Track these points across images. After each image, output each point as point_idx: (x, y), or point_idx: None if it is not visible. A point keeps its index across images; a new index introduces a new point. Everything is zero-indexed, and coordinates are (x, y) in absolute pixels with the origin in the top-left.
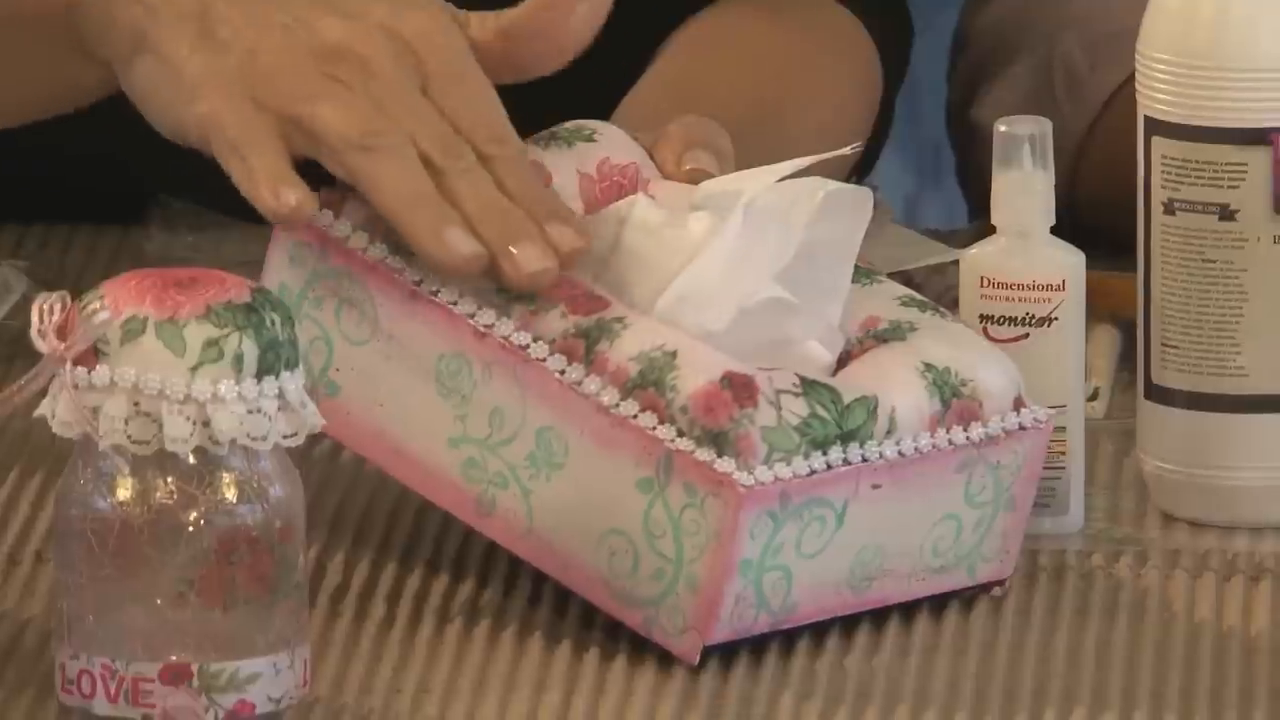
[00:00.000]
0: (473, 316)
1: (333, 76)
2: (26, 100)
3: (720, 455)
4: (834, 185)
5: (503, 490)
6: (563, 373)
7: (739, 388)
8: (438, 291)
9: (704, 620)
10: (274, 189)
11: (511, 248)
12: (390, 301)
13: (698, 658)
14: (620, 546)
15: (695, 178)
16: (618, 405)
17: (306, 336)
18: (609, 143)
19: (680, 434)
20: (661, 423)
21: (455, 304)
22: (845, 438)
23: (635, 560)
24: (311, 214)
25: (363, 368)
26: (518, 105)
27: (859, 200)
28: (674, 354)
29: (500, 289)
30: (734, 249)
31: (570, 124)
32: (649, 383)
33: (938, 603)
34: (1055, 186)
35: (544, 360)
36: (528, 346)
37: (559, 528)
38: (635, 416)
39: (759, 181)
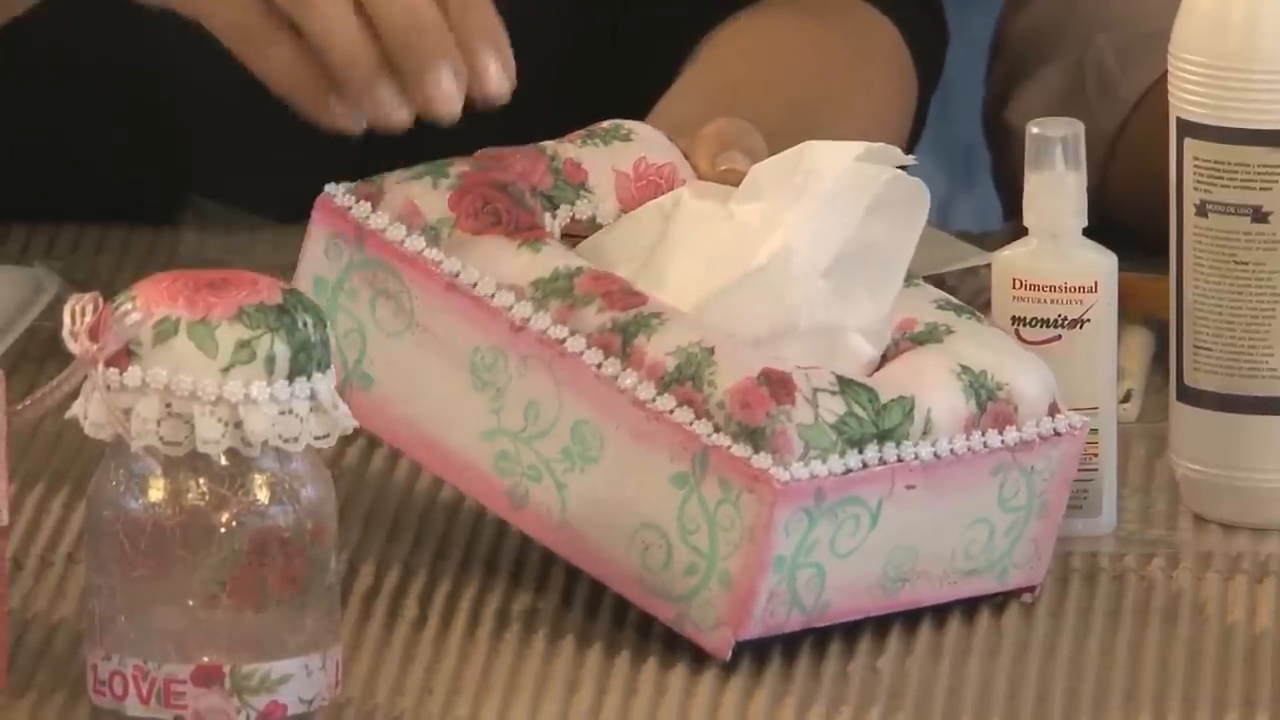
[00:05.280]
0: (510, 309)
1: None
2: None
3: (756, 451)
4: (897, 171)
5: (536, 483)
6: (599, 366)
7: (776, 384)
8: (475, 284)
9: (736, 616)
10: None
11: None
12: (426, 294)
13: (729, 653)
14: (653, 541)
15: (730, 179)
16: (654, 400)
17: (341, 328)
18: (645, 142)
19: (717, 429)
20: (698, 418)
21: (492, 297)
22: (881, 437)
23: (668, 555)
24: None
25: (398, 360)
26: (551, 106)
27: (918, 194)
28: (711, 350)
29: (535, 281)
30: (814, 228)
31: (607, 123)
32: (686, 378)
33: (970, 605)
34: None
35: (581, 354)
36: (564, 340)
37: (592, 521)
38: (672, 411)
39: (831, 159)
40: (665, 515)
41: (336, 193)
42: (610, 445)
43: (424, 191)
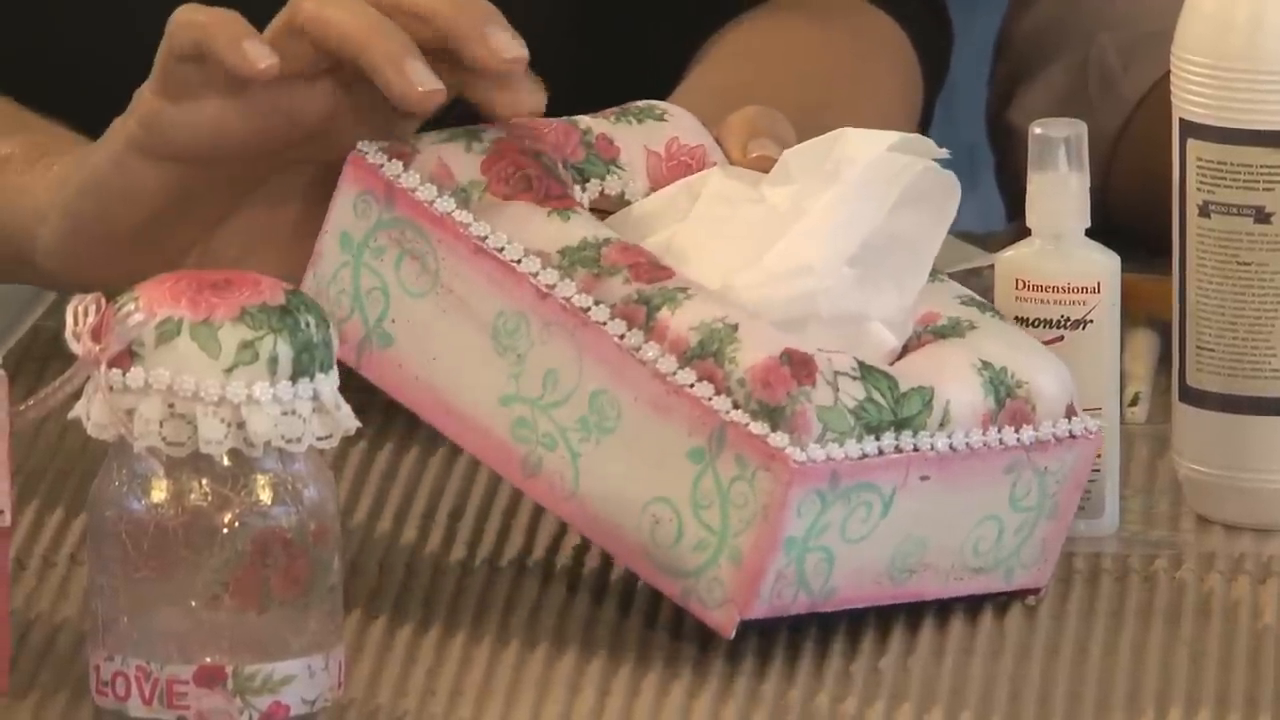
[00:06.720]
0: (535, 276)
1: None
2: None
3: (775, 430)
4: (928, 163)
5: (550, 452)
6: (622, 337)
7: (798, 365)
8: (502, 248)
9: (744, 594)
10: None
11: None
12: (453, 255)
13: (734, 631)
14: (664, 515)
15: (761, 165)
16: (675, 373)
17: (365, 286)
18: (678, 124)
19: (736, 406)
20: (718, 394)
21: (519, 262)
22: (899, 425)
23: (679, 530)
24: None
25: (419, 320)
26: (555, 107)
27: (949, 187)
28: (735, 326)
29: (563, 249)
30: (843, 214)
31: (641, 103)
32: (708, 353)
33: (973, 604)
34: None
35: (604, 324)
36: (588, 309)
37: (604, 493)
38: (692, 386)
39: (864, 147)
40: (679, 489)
41: (369, 150)
42: (627, 417)
43: (457, 154)
